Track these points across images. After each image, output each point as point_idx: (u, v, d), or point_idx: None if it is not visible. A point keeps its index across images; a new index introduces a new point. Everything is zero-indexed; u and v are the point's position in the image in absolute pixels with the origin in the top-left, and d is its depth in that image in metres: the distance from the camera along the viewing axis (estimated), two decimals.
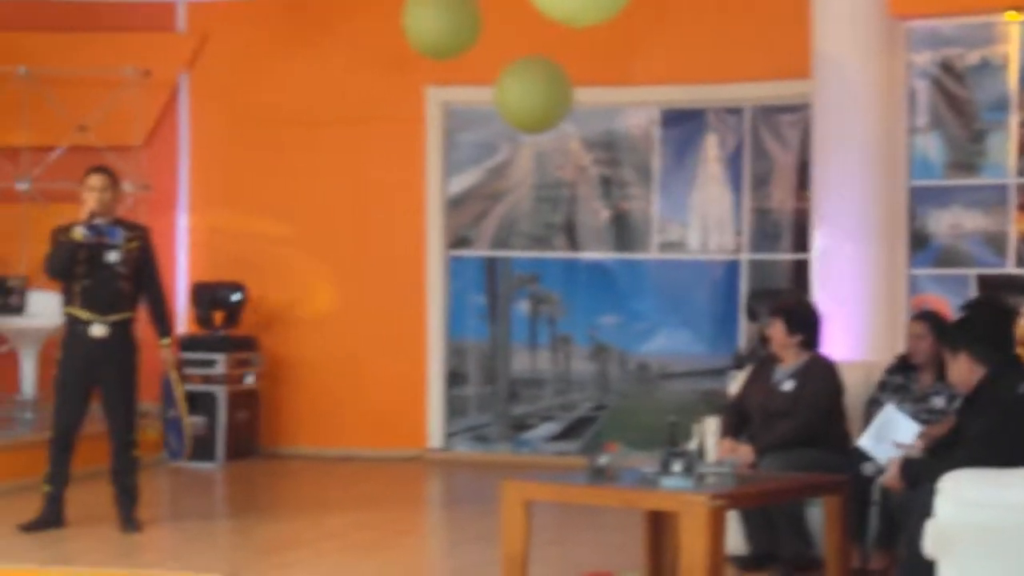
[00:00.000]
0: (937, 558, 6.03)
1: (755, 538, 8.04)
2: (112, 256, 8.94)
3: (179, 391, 9.31)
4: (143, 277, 9.09)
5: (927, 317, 8.47)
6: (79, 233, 8.85)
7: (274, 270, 13.12)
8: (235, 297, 12.73)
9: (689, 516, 6.52)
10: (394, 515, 10.16)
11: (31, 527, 9.02)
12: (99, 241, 8.91)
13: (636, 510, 7.82)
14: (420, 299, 12.97)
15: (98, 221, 8.94)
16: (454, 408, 12.97)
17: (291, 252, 13.17)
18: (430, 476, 12.28)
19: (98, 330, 8.94)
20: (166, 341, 9.18)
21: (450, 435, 12.95)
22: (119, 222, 9.13)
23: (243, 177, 13.29)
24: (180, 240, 13.33)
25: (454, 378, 12.99)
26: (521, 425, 12.89)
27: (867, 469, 7.18)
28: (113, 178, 9.15)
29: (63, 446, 9.08)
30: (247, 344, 12.80)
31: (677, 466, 6.87)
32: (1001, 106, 10.82)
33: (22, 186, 12.93)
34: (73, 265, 8.92)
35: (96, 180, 9.02)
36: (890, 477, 6.80)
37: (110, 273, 8.95)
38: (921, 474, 6.49)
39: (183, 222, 13.40)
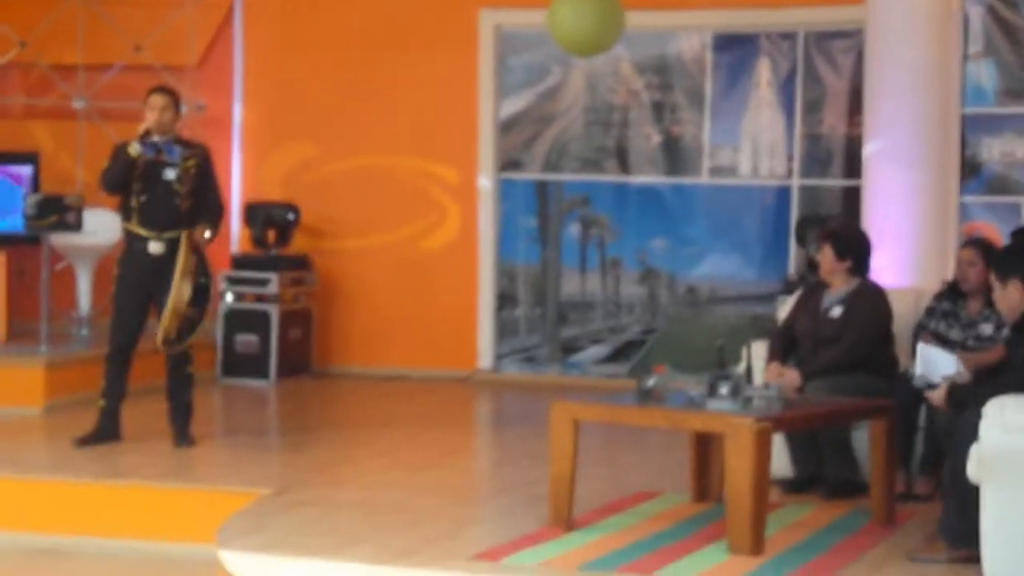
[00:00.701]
0: (981, 482, 6.10)
1: (801, 461, 8.11)
2: (169, 173, 9.02)
3: (179, 281, 8.95)
4: (202, 195, 9.16)
5: (978, 244, 8.47)
6: (135, 149, 8.93)
7: (327, 191, 13.19)
8: (289, 216, 12.81)
9: (734, 438, 6.59)
10: (443, 434, 10.27)
11: (87, 441, 9.17)
12: (157, 159, 8.98)
13: (682, 434, 7.91)
14: (471, 221, 13.03)
15: (156, 139, 9.02)
16: (504, 330, 13.06)
17: (344, 173, 13.24)
18: (479, 397, 12.38)
19: (155, 247, 9.03)
20: (207, 233, 9.14)
21: (499, 357, 13.04)
22: (178, 141, 9.21)
23: (296, 98, 13.35)
24: (234, 160, 13.41)
25: (504, 300, 13.07)
26: (570, 347, 12.97)
27: (917, 382, 7.22)
28: (174, 97, 9.21)
29: (119, 361, 9.20)
30: (300, 263, 12.90)
31: (724, 389, 6.94)
32: None
33: (78, 104, 13.05)
34: (128, 180, 9.01)
35: (157, 99, 9.09)
36: (937, 397, 6.85)
37: (167, 190, 9.03)
38: (967, 400, 6.54)
39: (237, 142, 13.48)
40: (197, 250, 9.11)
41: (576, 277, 12.97)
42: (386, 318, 13.14)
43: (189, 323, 9.11)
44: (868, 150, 10.64)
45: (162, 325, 9.00)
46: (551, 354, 12.99)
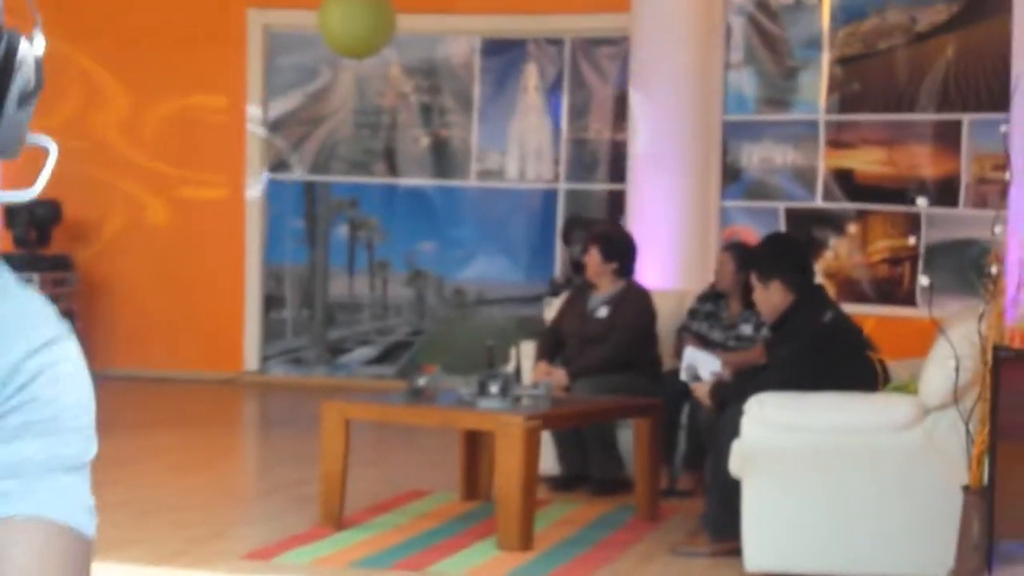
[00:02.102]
0: (742, 477, 6.28)
1: (567, 459, 8.24)
2: None
3: None
4: None
5: (730, 247, 8.76)
6: None
7: (89, 188, 12.94)
8: (51, 214, 12.56)
9: (505, 436, 6.69)
10: (211, 436, 10.20)
11: None
12: None
13: (452, 433, 7.99)
14: (238, 222, 12.93)
15: None
16: (271, 331, 12.99)
17: (108, 170, 13.02)
18: (246, 398, 12.32)
19: None
20: None
21: (266, 358, 12.98)
22: None
23: (57, 92, 13.10)
24: None
25: (271, 301, 13.01)
26: (338, 349, 12.97)
27: (684, 374, 7.40)
28: None
29: None
30: (62, 263, 12.67)
31: (494, 388, 7.04)
32: (813, 44, 11.12)
33: None
34: None
35: None
36: (701, 392, 7.04)
37: None
38: (729, 397, 6.74)
39: None
40: None
41: (344, 279, 12.97)
42: (150, 319, 12.98)
43: None
44: (632, 155, 10.85)
45: None
46: (319, 356, 12.97)
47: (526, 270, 12.51)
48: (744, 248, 8.64)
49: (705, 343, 8.22)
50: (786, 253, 7.09)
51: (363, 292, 12.94)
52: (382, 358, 12.86)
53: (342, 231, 12.97)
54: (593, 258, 8.41)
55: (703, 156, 10.88)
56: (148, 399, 11.83)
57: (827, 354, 6.63)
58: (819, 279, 9.72)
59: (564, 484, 8.24)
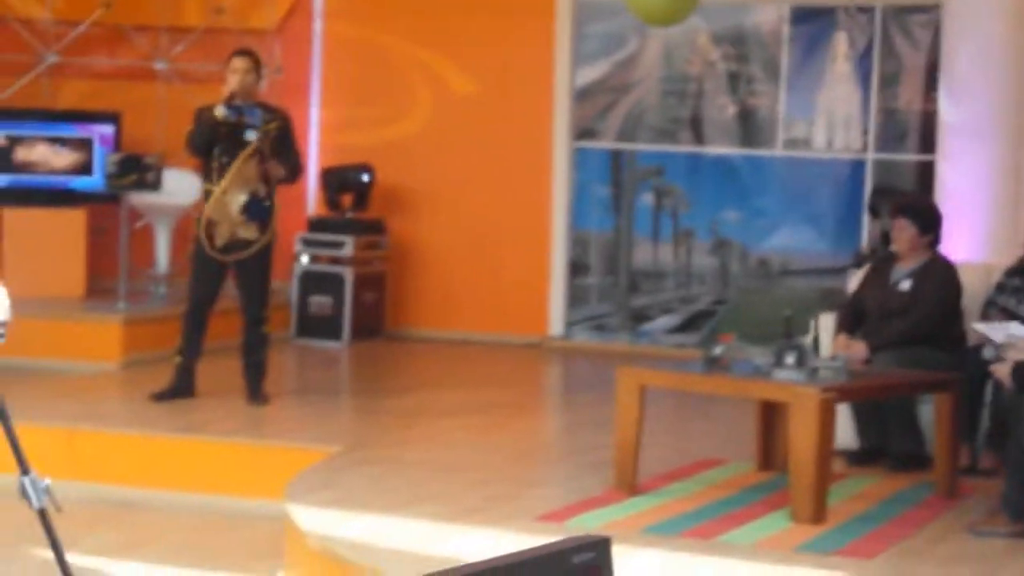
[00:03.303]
0: None
1: (866, 433, 8.15)
2: (251, 136, 9.14)
3: (229, 183, 9.14)
4: (282, 159, 9.28)
5: None
6: (220, 112, 9.07)
7: (403, 156, 13.28)
8: (364, 178, 12.93)
9: (799, 407, 6.65)
10: (511, 398, 10.38)
11: (162, 396, 9.34)
12: (239, 121, 9.12)
13: (750, 403, 7.97)
14: (545, 189, 13.10)
15: (238, 102, 9.15)
16: (575, 297, 13.12)
17: (420, 138, 13.32)
18: (549, 362, 12.48)
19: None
20: (281, 171, 9.26)
21: (570, 324, 13.12)
22: (260, 105, 9.33)
23: (374, 63, 13.45)
24: (312, 125, 13.53)
25: (576, 268, 13.13)
26: (641, 316, 13.03)
27: (986, 353, 7.21)
28: (256, 61, 9.33)
29: (197, 319, 9.36)
30: (375, 227, 13.02)
31: (790, 358, 6.99)
32: None
33: (159, 66, 13.20)
34: (212, 143, 9.15)
35: (239, 62, 9.22)
36: (1003, 371, 6.86)
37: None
38: None
39: (315, 107, 13.60)
40: (267, 179, 9.23)
41: (648, 247, 13.01)
42: (459, 283, 13.24)
43: (245, 241, 9.21)
44: (943, 125, 10.61)
45: (204, 214, 9.16)
46: (622, 323, 13.05)
47: (831, 241, 12.36)
48: None
49: (1012, 318, 8.00)
50: None
51: (667, 260, 12.96)
52: (685, 326, 12.87)
53: (647, 199, 13.00)
54: (906, 230, 8.25)
55: (1016, 126, 10.57)
56: (454, 360, 12.09)
57: None
58: None
59: (863, 458, 8.14)
